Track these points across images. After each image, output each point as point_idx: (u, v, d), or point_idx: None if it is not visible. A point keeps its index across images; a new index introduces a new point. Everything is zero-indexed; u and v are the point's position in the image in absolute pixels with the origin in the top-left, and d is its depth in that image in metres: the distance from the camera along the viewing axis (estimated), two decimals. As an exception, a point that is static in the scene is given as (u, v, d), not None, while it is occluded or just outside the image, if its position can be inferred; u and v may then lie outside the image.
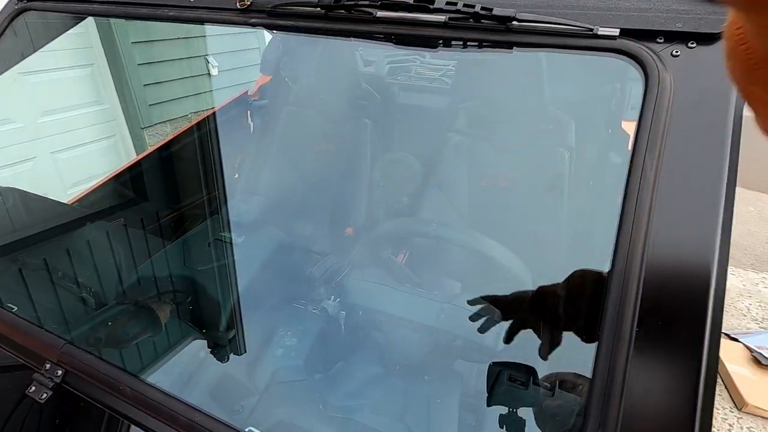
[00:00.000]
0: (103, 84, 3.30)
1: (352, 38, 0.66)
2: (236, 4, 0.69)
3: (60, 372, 0.55)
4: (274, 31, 0.70)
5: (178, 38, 3.60)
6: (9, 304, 0.66)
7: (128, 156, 3.52)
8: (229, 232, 0.97)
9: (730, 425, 1.77)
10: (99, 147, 3.39)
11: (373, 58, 2.13)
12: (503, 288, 0.79)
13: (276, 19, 0.69)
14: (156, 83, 3.48)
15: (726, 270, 0.40)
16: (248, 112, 1.89)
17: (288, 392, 0.70)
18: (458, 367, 0.71)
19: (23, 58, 0.99)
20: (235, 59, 4.12)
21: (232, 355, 0.72)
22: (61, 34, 1.06)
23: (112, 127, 3.49)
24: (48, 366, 0.55)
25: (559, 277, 0.77)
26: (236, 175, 1.76)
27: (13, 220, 1.00)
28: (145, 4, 0.78)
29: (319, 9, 0.64)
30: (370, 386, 0.69)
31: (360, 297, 0.75)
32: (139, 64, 3.32)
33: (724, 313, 1.51)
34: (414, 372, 0.70)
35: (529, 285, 0.78)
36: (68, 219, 1.07)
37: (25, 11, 0.92)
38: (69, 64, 3.05)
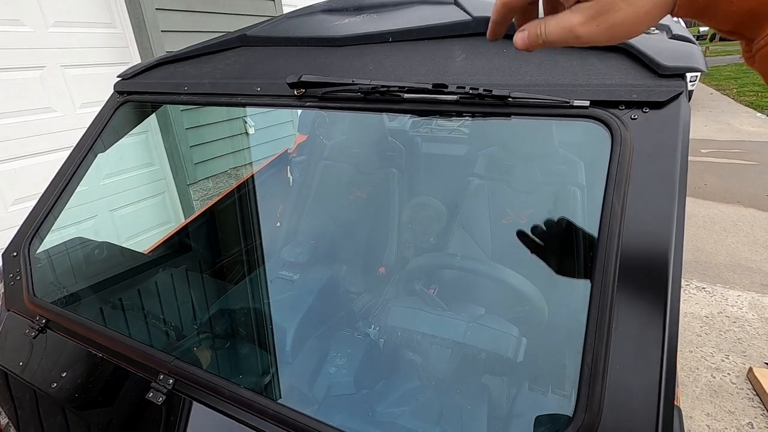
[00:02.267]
0: (155, 148, 3.68)
1: (385, 113, 0.84)
2: (294, 92, 0.90)
3: (171, 381, 0.71)
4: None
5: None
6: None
7: (175, 210, 3.85)
8: (283, 272, 1.14)
9: (777, 456, 1.72)
10: (150, 203, 3.73)
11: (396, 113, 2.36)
12: (521, 311, 0.92)
13: (325, 102, 0.89)
14: (201, 144, 3.85)
15: (680, 278, 0.53)
16: (288, 167, 2.13)
17: (342, 403, 0.83)
18: (485, 380, 0.82)
19: (120, 138, 1.24)
20: (268, 118, 4.51)
21: (295, 373, 0.86)
22: (146, 118, 1.32)
23: (162, 186, 3.84)
24: (161, 377, 0.71)
25: (572, 298, 0.90)
26: (278, 224, 1.96)
27: (106, 267, 1.21)
28: (222, 94, 1.01)
29: (359, 93, 0.84)
30: (410, 397, 0.81)
31: (398, 320, 0.88)
32: (186, 129, 3.70)
33: (765, 341, 1.57)
34: (447, 383, 0.82)
35: (544, 307, 0.90)
36: (147, 266, 1.28)
37: (125, 103, 1.17)
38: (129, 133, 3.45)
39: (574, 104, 0.67)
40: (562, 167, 1.62)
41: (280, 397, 0.80)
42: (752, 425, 1.95)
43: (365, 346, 0.94)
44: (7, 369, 0.84)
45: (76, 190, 1.15)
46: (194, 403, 0.68)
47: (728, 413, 2.01)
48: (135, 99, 1.16)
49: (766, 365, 2.27)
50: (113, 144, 1.23)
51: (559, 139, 1.59)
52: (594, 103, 0.67)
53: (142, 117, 1.29)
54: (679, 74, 0.65)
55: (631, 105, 0.65)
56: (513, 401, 0.75)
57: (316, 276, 1.11)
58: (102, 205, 3.39)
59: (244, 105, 0.96)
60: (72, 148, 1.17)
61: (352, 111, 0.87)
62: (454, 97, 0.76)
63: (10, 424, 0.76)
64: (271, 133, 4.52)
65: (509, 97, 0.71)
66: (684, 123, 0.62)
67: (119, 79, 1.24)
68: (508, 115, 0.73)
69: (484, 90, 0.72)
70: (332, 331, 0.98)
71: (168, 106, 3.52)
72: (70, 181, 1.10)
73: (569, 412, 0.64)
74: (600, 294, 0.54)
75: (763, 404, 2.04)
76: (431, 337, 0.82)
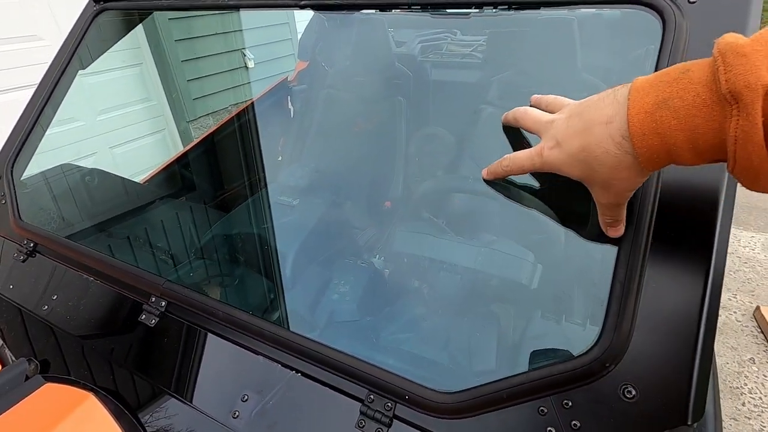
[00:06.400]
0: (151, 81, 3.51)
1: (390, 10, 0.73)
2: (288, -11, 0.78)
3: (163, 303, 0.67)
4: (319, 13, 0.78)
5: (216, 34, 3.77)
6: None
7: (176, 148, 3.76)
8: (283, 198, 1.08)
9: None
10: (150, 141, 3.63)
11: (404, 39, 2.18)
12: (536, 238, 0.86)
13: None
14: (198, 78, 3.66)
15: (735, 185, 0.45)
16: (288, 97, 2.00)
17: (344, 329, 0.80)
18: (496, 307, 0.78)
19: (102, 53, 1.13)
20: (269, 51, 4.26)
21: (294, 298, 0.82)
22: (130, 30, 1.20)
23: (161, 122, 3.71)
24: (153, 299, 0.68)
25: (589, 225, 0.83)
26: (280, 158, 1.87)
27: (97, 194, 1.16)
28: (208, -4, 0.89)
29: (361, -13, 0.72)
30: (416, 323, 0.77)
31: (404, 245, 0.83)
32: (182, 61, 3.50)
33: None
34: (455, 310, 0.78)
35: (561, 232, 0.83)
36: (143, 196, 1.22)
37: (102, 11, 1.05)
38: (121, 65, 3.28)
39: (619, -13, 0.56)
40: (583, 95, 1.49)
41: (279, 322, 0.77)
42: (754, 360, 1.96)
43: (369, 274, 0.89)
44: (-2, 292, 0.81)
45: (65, 118, 1.07)
46: (196, 328, 0.64)
47: (731, 349, 2.03)
48: (113, 6, 1.04)
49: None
50: (95, 59, 1.13)
51: (583, 62, 1.45)
52: (644, -15, 0.56)
53: (125, 29, 1.17)
54: (752, -54, 0.53)
55: (689, -14, 0.54)
56: (525, 329, 0.71)
57: (318, 202, 1.05)
58: (101, 142, 3.29)
59: (229, 8, 0.84)
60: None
61: (350, 11, 0.76)
62: (474, -15, 0.64)
63: (4, 345, 0.74)
64: (272, 66, 4.29)
65: (540, -19, 0.60)
66: (755, 10, 0.51)
67: (94, -15, 1.11)
68: (537, 5, 0.62)
69: (510, -27, 0.60)
70: (334, 259, 0.93)
71: (161, 32, 3.30)
72: (48, 99, 1.01)
73: (585, 342, 0.59)
74: (637, 202, 0.47)
75: (767, 340, 2.05)
76: (439, 262, 0.77)
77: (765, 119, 0.32)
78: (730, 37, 0.35)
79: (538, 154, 0.49)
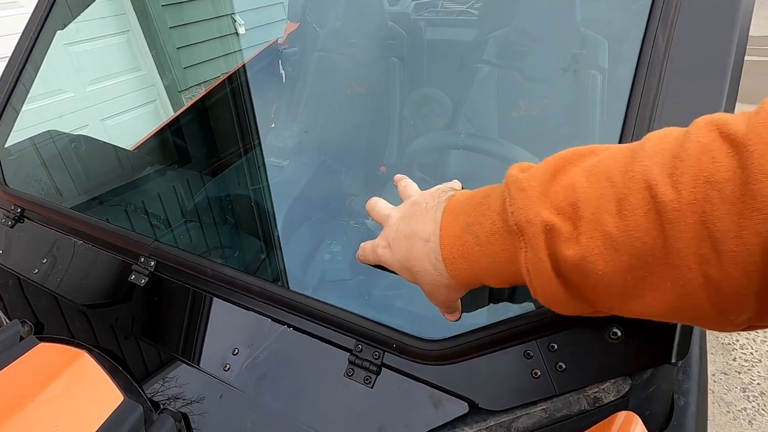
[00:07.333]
0: (139, 50, 3.40)
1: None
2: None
3: (152, 263, 0.66)
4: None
5: (204, -2, 3.63)
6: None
7: (169, 119, 3.69)
8: (271, 159, 1.07)
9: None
10: (142, 112, 3.56)
11: (397, -3, 2.09)
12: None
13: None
14: (188, 45, 3.54)
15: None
16: (279, 60, 1.94)
17: (336, 288, 0.80)
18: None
19: (78, 14, 1.08)
20: (260, 16, 4.11)
21: (286, 258, 0.82)
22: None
23: (153, 92, 3.63)
24: (142, 259, 0.67)
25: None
26: (273, 125, 1.84)
27: (83, 161, 1.14)
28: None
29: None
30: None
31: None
32: (170, 27, 3.39)
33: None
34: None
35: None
36: (131, 162, 1.21)
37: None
38: (106, 33, 3.17)
39: None
40: (583, 51, 1.45)
41: (270, 280, 0.77)
42: (747, 318, 2.00)
43: (362, 235, 0.89)
44: (-12, 258, 0.80)
45: (53, 89, 1.04)
46: (186, 286, 0.64)
47: None
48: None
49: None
50: (75, 17, 1.08)
51: (583, 15, 1.39)
52: None
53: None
54: None
55: None
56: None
57: (311, 164, 1.04)
58: (92, 114, 3.23)
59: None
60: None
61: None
62: None
63: (-1, 309, 0.74)
64: (264, 33, 4.16)
65: None
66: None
67: (66, -62, 1.05)
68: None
69: None
70: (327, 220, 0.92)
71: (146, 0, 3.18)
72: (26, 62, 0.98)
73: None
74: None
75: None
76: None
77: (550, 252, 0.31)
78: (514, 169, 0.35)
79: (373, 251, 0.47)
